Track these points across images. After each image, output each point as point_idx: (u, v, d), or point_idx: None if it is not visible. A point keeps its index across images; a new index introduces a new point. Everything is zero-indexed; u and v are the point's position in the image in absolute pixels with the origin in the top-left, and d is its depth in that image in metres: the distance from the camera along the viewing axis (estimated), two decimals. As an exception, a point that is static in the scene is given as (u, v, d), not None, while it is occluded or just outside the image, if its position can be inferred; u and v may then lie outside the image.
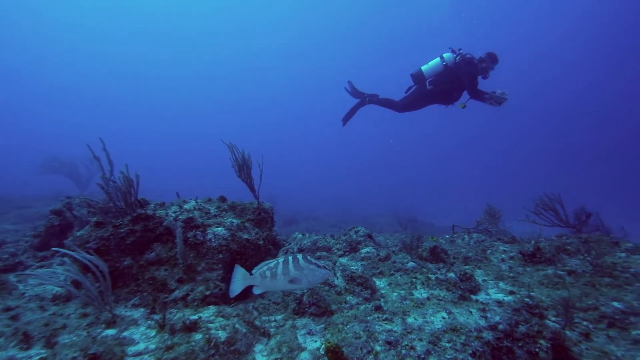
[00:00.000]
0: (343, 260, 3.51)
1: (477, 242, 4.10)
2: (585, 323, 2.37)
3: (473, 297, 2.84)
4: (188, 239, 2.78)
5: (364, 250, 3.66)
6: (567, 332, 2.20)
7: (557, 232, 4.12)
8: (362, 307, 2.46)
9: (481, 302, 2.44)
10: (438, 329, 1.89)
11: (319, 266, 1.89)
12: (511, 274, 3.29)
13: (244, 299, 3.00)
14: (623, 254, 3.32)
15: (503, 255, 3.68)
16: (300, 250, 3.90)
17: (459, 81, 5.65)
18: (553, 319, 2.38)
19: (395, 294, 2.76)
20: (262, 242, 3.16)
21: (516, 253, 3.62)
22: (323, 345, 1.93)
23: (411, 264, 3.20)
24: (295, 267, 1.85)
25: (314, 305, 2.55)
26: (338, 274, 2.88)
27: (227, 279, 2.74)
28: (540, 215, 4.46)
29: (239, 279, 1.92)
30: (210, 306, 2.35)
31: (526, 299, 2.32)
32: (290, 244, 4.10)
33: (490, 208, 4.49)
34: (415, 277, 3.03)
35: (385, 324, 2.01)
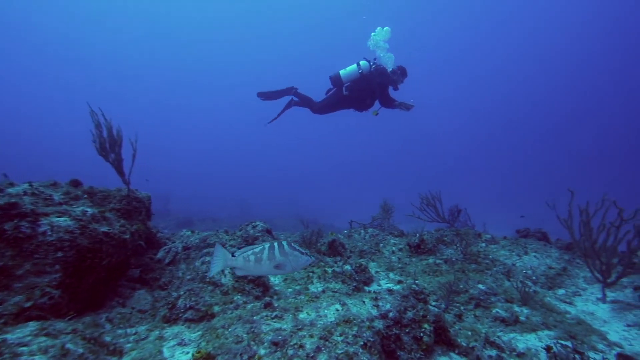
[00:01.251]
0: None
1: (372, 237, 4.25)
2: (458, 305, 2.59)
3: (367, 288, 2.84)
4: (4, 232, 1.97)
5: (260, 246, 3.34)
6: (446, 315, 2.34)
7: (436, 227, 4.61)
8: (249, 306, 2.13)
9: (374, 292, 2.41)
10: (331, 322, 1.71)
11: (302, 253, 1.93)
12: (400, 265, 3.46)
13: (98, 309, 2.32)
14: (483, 244, 3.88)
15: (393, 248, 3.88)
16: (186, 248, 3.33)
17: (372, 89, 5.98)
18: (434, 303, 2.52)
19: (291, 289, 2.53)
20: (128, 236, 2.51)
21: (404, 245, 3.86)
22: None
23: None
24: (281, 252, 1.88)
25: (190, 309, 2.10)
26: (226, 271, 2.49)
27: (68, 284, 2.04)
28: (423, 212, 4.95)
29: (220, 260, 1.87)
30: (31, 322, 1.66)
31: (413, 286, 2.39)
32: (174, 242, 3.47)
33: (385, 204, 4.77)
34: (312, 272, 2.87)
35: (275, 322, 1.73)
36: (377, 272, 3.30)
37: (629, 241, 2.66)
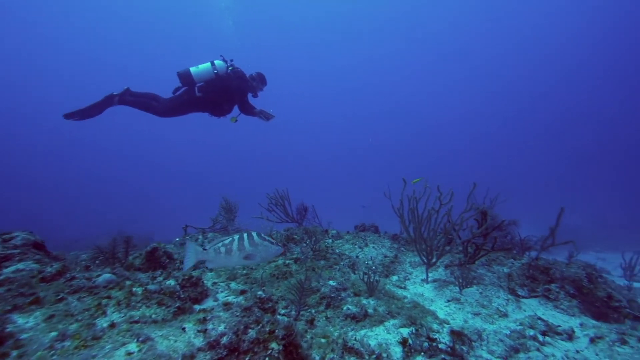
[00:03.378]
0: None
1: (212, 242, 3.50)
2: (309, 309, 2.24)
3: (197, 306, 2.10)
4: None
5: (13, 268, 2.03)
6: (297, 324, 1.92)
7: (285, 226, 4.32)
8: None
9: (204, 311, 1.73)
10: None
11: (272, 243, 1.91)
12: (244, 271, 2.88)
13: None
14: (330, 240, 3.83)
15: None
16: None
17: (229, 94, 5.35)
18: (283, 311, 2.06)
19: (54, 333, 1.51)
20: None
21: (250, 248, 3.32)
22: None
23: (105, 276, 2.02)
24: (250, 243, 1.86)
25: None
26: None
27: None
28: (272, 212, 4.59)
29: (192, 254, 1.86)
30: None
31: (259, 293, 1.86)
32: None
33: (226, 203, 4.10)
34: (110, 296, 1.89)
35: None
36: (214, 283, 2.60)
37: (445, 224, 3.05)
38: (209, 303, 2.25)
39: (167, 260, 2.58)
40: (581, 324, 2.25)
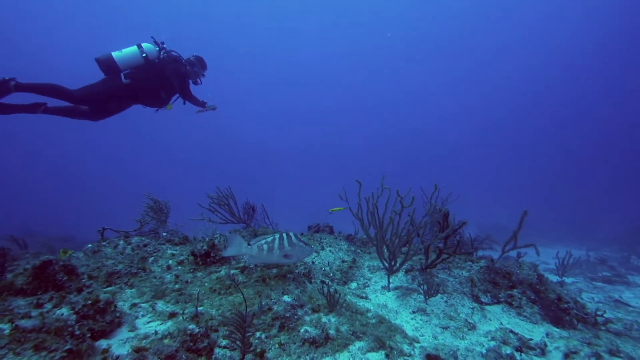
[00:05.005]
0: None
1: (137, 248, 2.85)
2: (258, 335, 1.80)
3: (103, 344, 1.53)
4: None
5: None
6: (241, 361, 1.47)
7: (231, 228, 3.79)
8: None
9: (104, 353, 1.22)
10: None
11: (306, 244, 1.99)
12: (177, 286, 2.32)
13: None
14: (283, 244, 3.40)
15: (170, 262, 2.68)
16: None
17: (167, 81, 4.70)
18: (224, 342, 1.60)
19: None
20: None
21: (187, 256, 2.75)
22: None
23: (-51, 309, 1.35)
24: (289, 243, 1.94)
25: None
26: None
27: None
28: (215, 213, 4.01)
29: (236, 246, 1.93)
30: None
31: (189, 327, 1.38)
32: None
33: (155, 202, 3.41)
34: (-48, 342, 1.25)
35: None
36: (134, 305, 2.01)
37: (408, 229, 2.82)
38: (123, 334, 1.68)
39: (65, 278, 1.92)
40: (547, 334, 2.16)
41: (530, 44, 36.98)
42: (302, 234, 3.84)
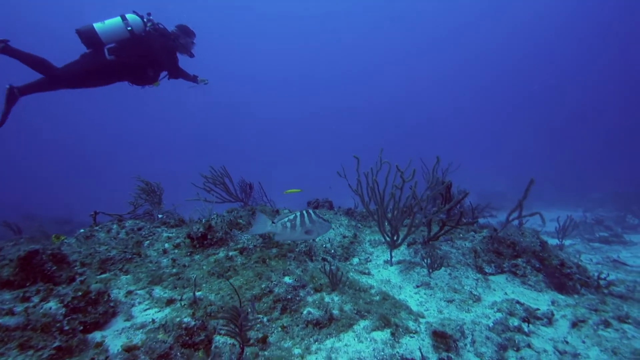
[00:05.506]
0: None
1: (132, 232, 2.76)
2: (259, 317, 1.75)
3: (93, 336, 1.47)
4: None
5: None
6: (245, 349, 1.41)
7: (228, 207, 3.69)
8: None
9: (98, 347, 1.15)
10: None
11: (325, 220, 2.07)
12: (174, 270, 2.26)
13: None
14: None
15: (166, 245, 2.60)
16: None
17: (155, 57, 4.34)
18: (224, 330, 1.54)
19: None
20: None
21: (183, 239, 2.67)
22: None
23: None
24: (310, 220, 2.02)
25: None
26: None
27: None
28: (211, 192, 3.89)
29: (261, 224, 2.01)
30: None
31: (185, 320, 1.31)
32: None
33: (146, 184, 3.27)
34: None
35: None
36: (130, 292, 1.95)
37: (410, 204, 2.72)
38: (117, 325, 1.62)
39: (54, 268, 1.83)
40: (553, 302, 2.13)
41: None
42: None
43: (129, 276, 2.15)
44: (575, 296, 2.43)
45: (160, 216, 3.52)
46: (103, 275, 2.12)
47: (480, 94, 46.02)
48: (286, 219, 2.03)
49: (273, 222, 2.01)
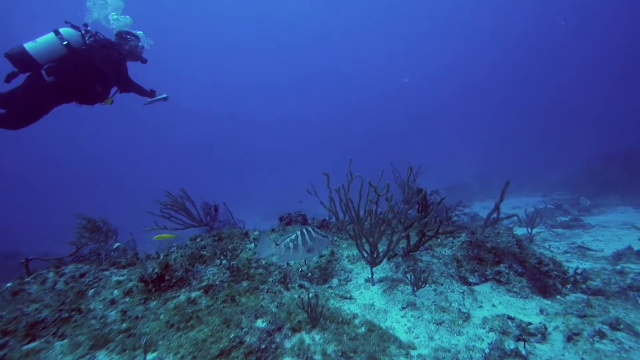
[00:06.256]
0: None
1: (72, 280, 2.34)
2: (229, 379, 1.48)
3: None
4: None
5: None
6: None
7: (191, 234, 3.34)
8: None
9: None
10: None
11: (324, 236, 2.07)
12: (124, 325, 1.91)
13: None
14: (252, 244, 3.04)
15: (115, 292, 2.23)
16: None
17: (99, 70, 3.92)
18: (184, 408, 1.26)
19: None
20: None
21: (136, 282, 2.31)
22: None
23: None
24: (310, 238, 2.02)
25: None
26: None
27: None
28: (171, 219, 3.51)
29: (266, 247, 1.99)
30: None
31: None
32: None
33: (89, 221, 2.83)
34: None
35: None
36: (65, 366, 1.59)
37: (388, 219, 2.56)
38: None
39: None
40: (541, 310, 2.05)
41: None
42: (272, 230, 3.49)
43: (65, 341, 1.77)
44: (559, 297, 2.39)
45: (113, 252, 3.10)
46: (31, 345, 1.73)
47: (445, 88, 48.08)
48: (288, 239, 2.02)
49: (277, 244, 1.99)
